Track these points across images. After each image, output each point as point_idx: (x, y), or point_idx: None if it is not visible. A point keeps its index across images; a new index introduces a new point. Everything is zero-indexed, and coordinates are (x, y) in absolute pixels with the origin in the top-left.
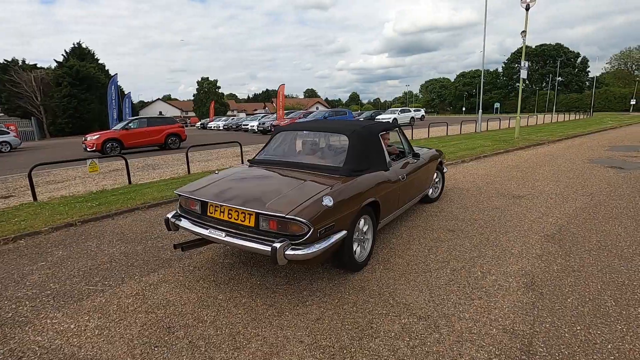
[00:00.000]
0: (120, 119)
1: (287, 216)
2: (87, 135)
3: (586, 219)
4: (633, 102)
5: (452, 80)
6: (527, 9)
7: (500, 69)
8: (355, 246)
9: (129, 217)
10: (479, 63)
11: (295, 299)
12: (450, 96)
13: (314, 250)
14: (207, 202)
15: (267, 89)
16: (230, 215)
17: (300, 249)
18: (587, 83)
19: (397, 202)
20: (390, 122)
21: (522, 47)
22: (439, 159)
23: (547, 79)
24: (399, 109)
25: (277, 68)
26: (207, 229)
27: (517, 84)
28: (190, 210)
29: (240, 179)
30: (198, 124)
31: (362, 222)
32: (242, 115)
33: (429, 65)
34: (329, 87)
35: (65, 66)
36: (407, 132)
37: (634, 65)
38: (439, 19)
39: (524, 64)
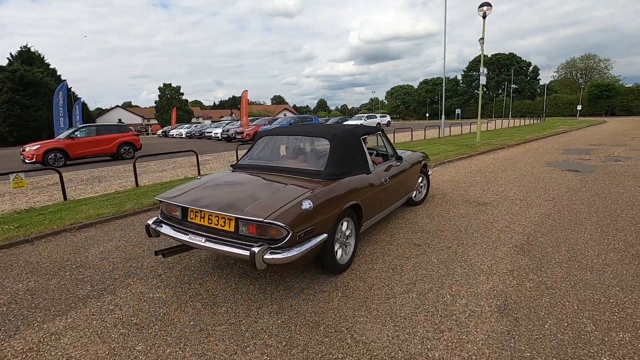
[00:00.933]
0: (71, 127)
1: (265, 220)
2: (25, 146)
3: (552, 227)
4: (579, 108)
5: (416, 87)
6: (484, 17)
7: (459, 77)
8: (337, 248)
9: (53, 241)
10: (440, 71)
11: (235, 345)
12: (414, 103)
13: (294, 253)
14: (188, 207)
15: (233, 96)
16: (210, 221)
17: (279, 253)
18: (539, 90)
19: (379, 205)
20: None
21: (479, 55)
22: (424, 162)
23: (502, 86)
24: (365, 115)
25: (244, 74)
26: (187, 234)
27: (476, 91)
28: (171, 216)
29: (221, 184)
30: (159, 131)
31: (344, 225)
32: (208, 122)
33: (393, 72)
34: (296, 94)
35: (7, 70)
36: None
37: (578, 74)
38: (402, 29)
39: (483, 70)
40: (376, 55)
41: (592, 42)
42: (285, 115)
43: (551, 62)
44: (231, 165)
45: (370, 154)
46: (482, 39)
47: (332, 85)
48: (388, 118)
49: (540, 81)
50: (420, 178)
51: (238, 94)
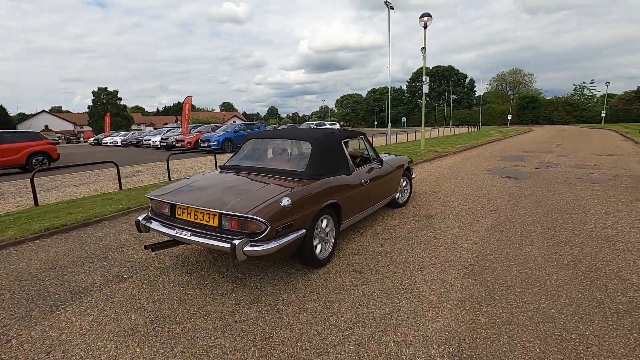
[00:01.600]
0: None
1: (245, 215)
2: None
3: (500, 241)
4: (510, 117)
5: (364, 96)
6: (425, 27)
7: (404, 87)
8: (316, 244)
9: None
10: (387, 81)
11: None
12: (363, 111)
13: (272, 246)
14: (176, 204)
15: (179, 102)
16: (196, 217)
17: (258, 246)
18: (475, 100)
19: (359, 204)
20: None
21: (422, 67)
22: (407, 166)
23: (443, 96)
24: (315, 122)
25: (191, 80)
26: (174, 229)
27: (420, 101)
28: (161, 212)
29: (208, 183)
30: (91, 139)
31: (323, 222)
32: (149, 129)
33: (342, 81)
34: (246, 101)
35: None
36: None
37: (507, 87)
38: (350, 40)
39: (425, 79)
40: (326, 65)
41: (517, 58)
42: (234, 122)
43: (484, 75)
44: (219, 166)
45: (355, 158)
46: (424, 48)
47: (283, 93)
48: (337, 125)
49: (476, 92)
50: (404, 181)
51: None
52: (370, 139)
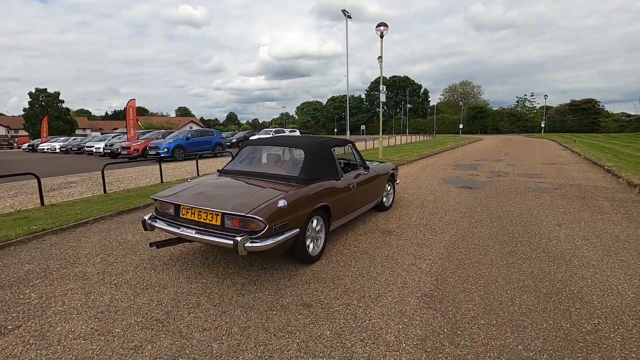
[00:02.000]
0: None
1: (247, 215)
2: None
3: (459, 260)
4: (461, 126)
5: (324, 103)
6: (381, 36)
7: (363, 96)
8: (308, 242)
9: None
10: (345, 88)
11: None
12: (323, 118)
13: (270, 243)
14: (180, 205)
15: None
16: (199, 216)
17: (257, 242)
18: (429, 110)
19: (347, 207)
20: None
21: (380, 76)
22: (391, 172)
23: (400, 105)
24: (273, 129)
25: (145, 83)
26: (179, 228)
27: (378, 109)
28: (165, 212)
29: (209, 186)
30: (25, 145)
31: (314, 222)
32: (95, 134)
33: (303, 89)
34: (205, 106)
35: None
36: None
37: (458, 97)
38: (310, 48)
39: (382, 88)
40: (286, 72)
41: (466, 71)
42: (191, 127)
43: (437, 86)
44: (218, 170)
45: (346, 164)
46: (380, 57)
47: (243, 99)
48: (297, 133)
49: (430, 102)
50: (389, 187)
51: (137, 104)
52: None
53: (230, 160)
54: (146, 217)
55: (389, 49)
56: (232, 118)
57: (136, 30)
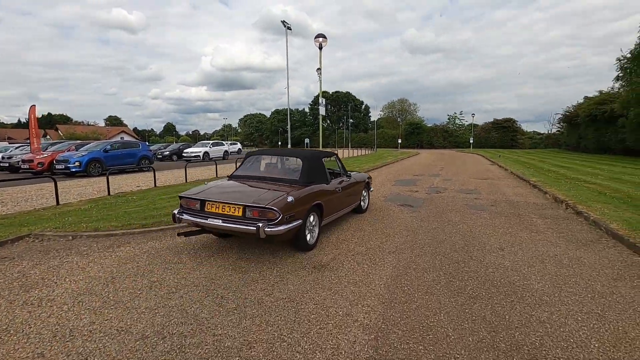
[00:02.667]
0: None
1: (266, 206)
2: None
3: (404, 305)
4: (400, 141)
5: (268, 116)
6: (320, 48)
7: (307, 109)
8: (307, 233)
9: None
10: (291, 103)
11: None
12: (267, 131)
13: (282, 228)
14: (205, 200)
15: (49, 113)
16: (223, 209)
17: (274, 228)
18: (370, 125)
19: (335, 206)
20: (201, 156)
21: (322, 90)
22: (367, 181)
23: (342, 120)
24: (211, 142)
25: (70, 89)
26: (206, 219)
27: (322, 123)
28: (191, 208)
29: (226, 187)
30: None
31: (311, 217)
32: (3, 144)
33: (247, 101)
34: (141, 116)
35: None
36: (211, 169)
37: (397, 113)
38: (254, 60)
39: (322, 101)
40: (230, 83)
41: (403, 89)
42: (122, 138)
43: (377, 102)
44: (227, 176)
45: (331, 172)
46: (320, 69)
47: (183, 109)
48: (239, 146)
49: (371, 118)
50: (365, 192)
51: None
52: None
53: (238, 168)
54: (175, 212)
55: (333, 66)
56: (170, 129)
57: (61, 32)
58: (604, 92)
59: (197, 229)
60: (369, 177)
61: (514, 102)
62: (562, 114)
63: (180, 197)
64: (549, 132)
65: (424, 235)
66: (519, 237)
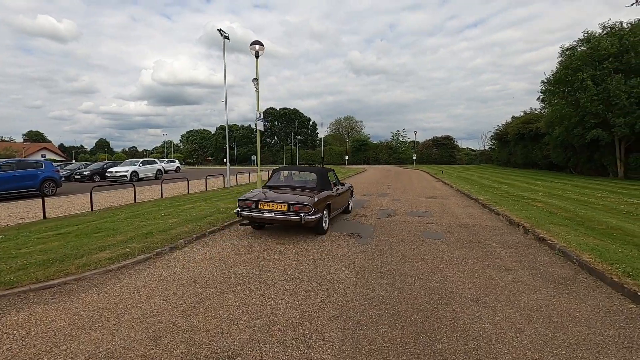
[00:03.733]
0: None
1: (305, 203)
2: None
3: None
4: (347, 157)
5: (213, 132)
6: (257, 56)
7: (253, 125)
8: (323, 222)
9: None
10: (238, 119)
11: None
12: (211, 147)
13: (314, 217)
14: (259, 201)
15: None
16: (273, 207)
17: (309, 217)
18: (318, 142)
19: (336, 206)
20: (128, 175)
21: (270, 107)
22: (351, 189)
23: (290, 137)
24: (141, 160)
25: None
26: (262, 213)
27: (269, 140)
28: (248, 207)
29: (268, 193)
30: None
31: (325, 212)
32: None
33: (192, 117)
34: (70, 131)
35: None
36: (139, 191)
37: (343, 131)
38: (199, 76)
39: (259, 114)
40: (173, 98)
41: (349, 107)
42: (44, 156)
43: (324, 120)
44: (262, 186)
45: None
46: (256, 79)
47: (121, 125)
48: (177, 164)
49: (318, 134)
50: (350, 198)
51: None
52: (208, 180)
53: (268, 180)
54: (237, 210)
55: (280, 84)
56: (103, 145)
57: None
58: (527, 112)
59: (248, 221)
60: (351, 186)
61: (448, 121)
62: (493, 132)
63: (239, 200)
64: (483, 148)
65: (378, 282)
66: (490, 280)
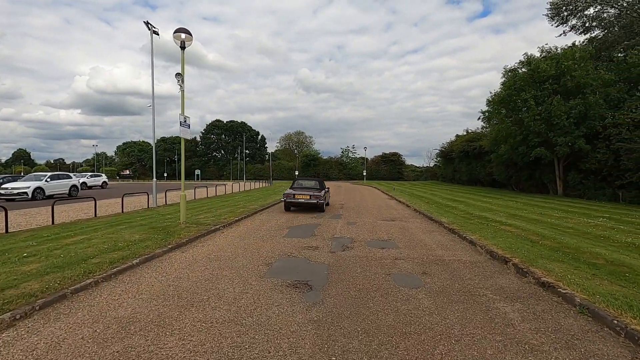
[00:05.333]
0: None
1: (320, 194)
2: None
3: None
4: (297, 173)
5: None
6: (183, 47)
7: (198, 138)
8: (325, 207)
9: None
10: (185, 131)
11: None
12: (151, 161)
13: (323, 202)
14: (295, 194)
15: None
16: (302, 197)
17: (322, 202)
18: (267, 156)
19: (326, 198)
20: (29, 193)
21: (216, 120)
22: (328, 189)
23: (238, 150)
24: (49, 174)
25: None
26: (297, 199)
27: (215, 153)
28: (289, 198)
29: (296, 191)
30: None
31: (324, 200)
32: None
33: (132, 128)
34: None
35: None
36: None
37: (294, 145)
38: (142, 85)
39: (184, 119)
40: (112, 108)
41: (299, 123)
42: None
43: (274, 135)
44: (290, 187)
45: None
46: (180, 74)
47: (48, 134)
48: (103, 178)
49: (267, 149)
50: (328, 196)
51: None
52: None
53: (291, 186)
54: (283, 199)
55: (229, 97)
56: (21, 156)
57: None
58: (470, 131)
59: (293, 204)
60: (328, 188)
61: (393, 139)
62: (439, 150)
63: (284, 194)
64: (428, 165)
65: None
66: None
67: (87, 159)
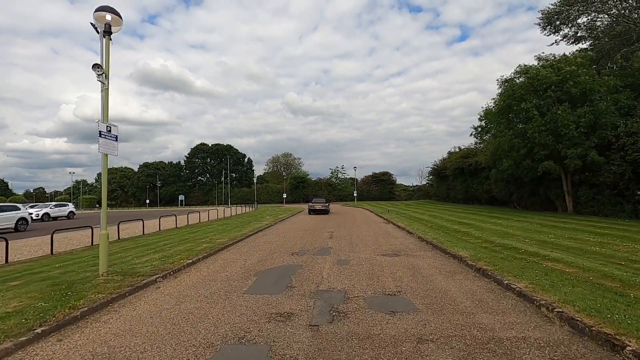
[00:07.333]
0: None
1: (326, 204)
2: None
3: None
4: (285, 195)
5: (136, 170)
6: (108, 32)
7: (182, 162)
8: (330, 212)
9: None
10: (173, 156)
11: None
12: (133, 187)
13: (329, 209)
14: (314, 205)
15: None
16: (317, 206)
17: (328, 209)
18: (255, 180)
19: (330, 208)
20: None
21: (201, 143)
22: (328, 201)
23: (224, 173)
24: (6, 204)
25: None
26: (315, 207)
27: (200, 177)
28: (311, 207)
29: (314, 205)
30: None
31: (330, 209)
32: None
33: (121, 155)
34: None
35: None
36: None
37: (282, 168)
38: (130, 113)
39: (106, 126)
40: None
41: (287, 145)
42: None
43: (263, 157)
44: (309, 202)
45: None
46: (98, 65)
47: (32, 163)
48: (70, 208)
49: (255, 172)
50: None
51: None
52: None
53: (310, 203)
54: (307, 209)
55: (218, 122)
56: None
57: None
58: (463, 147)
59: (313, 210)
60: (329, 201)
61: (381, 158)
62: (431, 168)
63: (309, 205)
64: (420, 184)
65: None
66: None
67: (67, 188)
